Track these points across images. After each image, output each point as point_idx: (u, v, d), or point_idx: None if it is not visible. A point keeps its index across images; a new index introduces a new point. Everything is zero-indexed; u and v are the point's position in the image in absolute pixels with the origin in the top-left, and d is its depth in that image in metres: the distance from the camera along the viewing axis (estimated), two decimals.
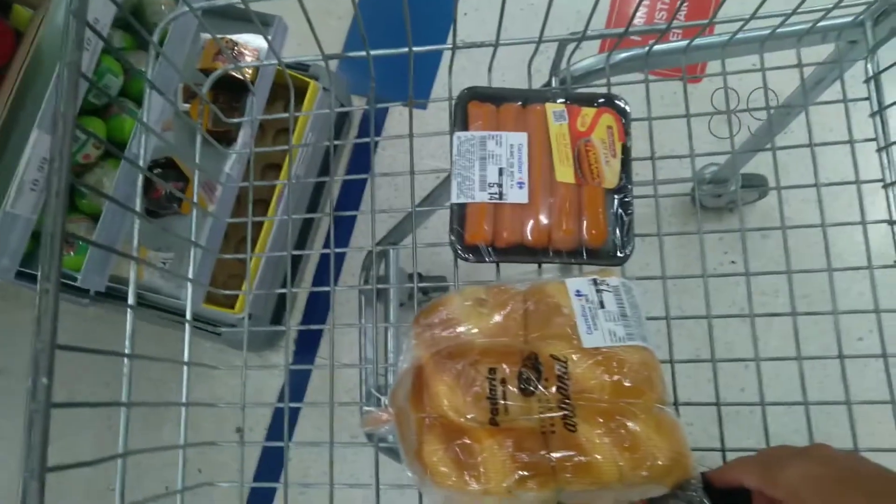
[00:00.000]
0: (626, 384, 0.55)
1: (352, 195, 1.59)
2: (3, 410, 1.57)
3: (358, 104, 1.66)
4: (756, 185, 1.46)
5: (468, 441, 0.52)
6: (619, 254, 0.66)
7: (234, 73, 1.15)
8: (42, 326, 0.35)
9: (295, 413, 1.35)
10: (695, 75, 1.36)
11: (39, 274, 0.38)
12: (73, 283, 1.32)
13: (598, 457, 0.51)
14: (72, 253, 0.90)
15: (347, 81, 1.66)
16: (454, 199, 0.65)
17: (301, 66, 1.46)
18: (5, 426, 1.55)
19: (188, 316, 0.60)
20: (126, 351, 0.49)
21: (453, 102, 0.69)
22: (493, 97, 0.69)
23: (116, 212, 0.83)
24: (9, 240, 0.71)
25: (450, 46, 0.69)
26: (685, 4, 1.57)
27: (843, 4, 0.70)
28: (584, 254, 0.65)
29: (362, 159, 1.61)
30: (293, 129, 0.68)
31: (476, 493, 0.51)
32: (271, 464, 1.40)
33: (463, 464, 0.51)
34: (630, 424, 0.53)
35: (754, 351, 0.68)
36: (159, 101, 0.99)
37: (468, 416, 0.54)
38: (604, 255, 0.66)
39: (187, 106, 1.19)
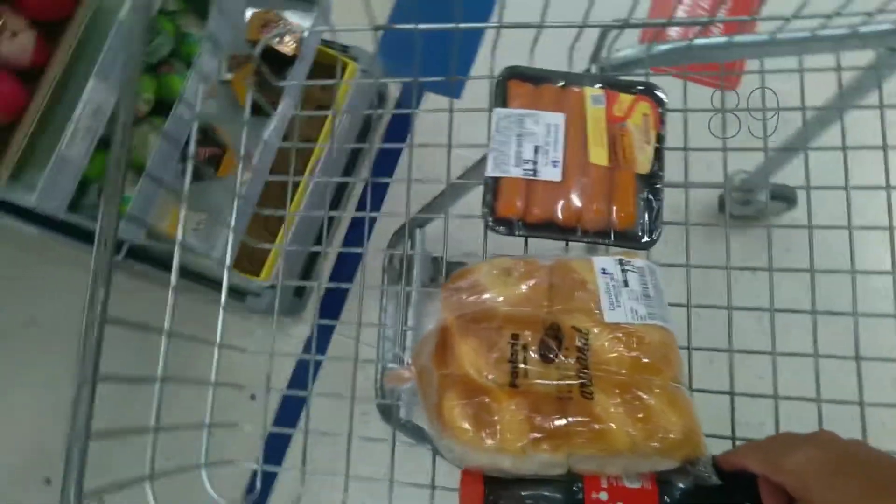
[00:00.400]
0: (644, 360, 0.57)
1: (382, 184, 1.62)
2: (33, 359, 1.61)
3: (394, 89, 1.68)
4: (784, 197, 1.46)
5: (487, 400, 0.54)
6: (646, 238, 0.67)
7: (277, 47, 1.18)
8: (103, 243, 0.37)
9: (315, 371, 1.38)
10: (731, 71, 1.34)
11: (103, 198, 0.41)
12: None
13: (612, 425, 0.53)
14: None
15: (384, 68, 1.68)
16: (489, 173, 0.67)
17: (341, 48, 1.49)
18: (35, 374, 1.60)
19: (228, 262, 0.62)
20: (172, 283, 0.52)
21: (494, 80, 0.71)
22: (534, 77, 0.71)
23: (161, 163, 0.86)
24: (60, 181, 0.74)
25: (496, 25, 0.71)
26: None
27: (887, 10, 0.70)
28: (612, 235, 0.67)
29: (395, 141, 1.64)
30: (336, 96, 0.70)
31: (491, 449, 0.53)
32: (289, 417, 1.43)
33: (480, 421, 0.53)
34: (645, 397, 0.54)
35: (772, 345, 0.69)
36: (205, 69, 1.01)
37: (489, 377, 0.56)
38: (631, 238, 0.67)
39: (231, 75, 1.22)
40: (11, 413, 1.59)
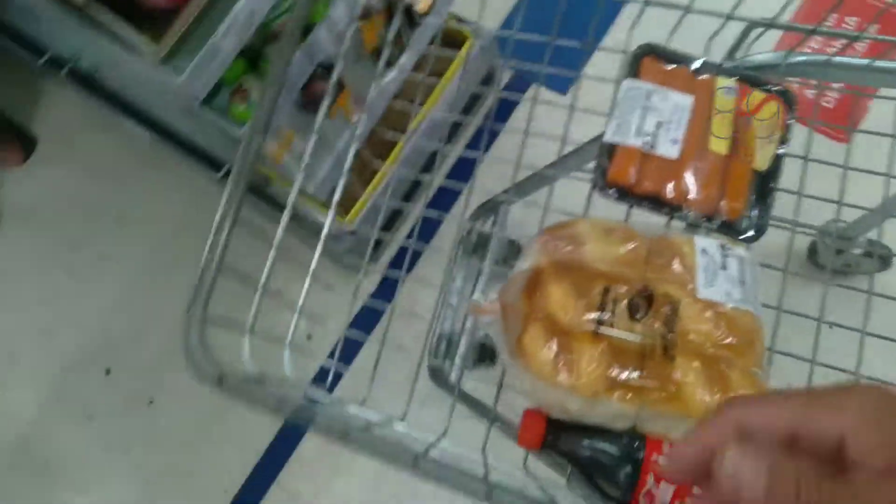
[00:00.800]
0: (730, 341, 0.57)
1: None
2: (115, 254, 1.69)
3: (507, 77, 1.71)
4: (880, 256, 1.41)
5: (569, 340, 0.55)
6: (751, 232, 0.67)
7: (412, 2, 1.22)
8: (264, 105, 0.41)
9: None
10: (866, 95, 1.25)
11: (269, 77, 0.44)
12: (209, 157, 1.43)
13: (689, 388, 0.53)
14: (242, 106, 0.99)
15: (499, 53, 1.71)
16: (608, 138, 0.69)
17: (463, 21, 1.53)
18: (114, 268, 1.68)
19: (347, 166, 0.66)
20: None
21: (630, 54, 0.72)
22: (669, 58, 0.72)
23: (287, 83, 0.91)
24: (206, 69, 0.80)
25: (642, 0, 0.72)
26: (879, 17, 1.51)
27: None
28: (717, 223, 0.67)
29: (504, 113, 1.66)
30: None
31: (564, 386, 0.54)
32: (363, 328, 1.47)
33: (559, 356, 0.55)
34: (726, 371, 0.54)
35: (856, 366, 0.68)
36: (343, 10, 1.06)
37: (575, 320, 0.57)
38: (736, 229, 0.67)
39: (361, 22, 1.27)
40: (82, 301, 1.67)
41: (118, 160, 1.73)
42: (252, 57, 0.97)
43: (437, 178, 1.60)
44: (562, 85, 1.61)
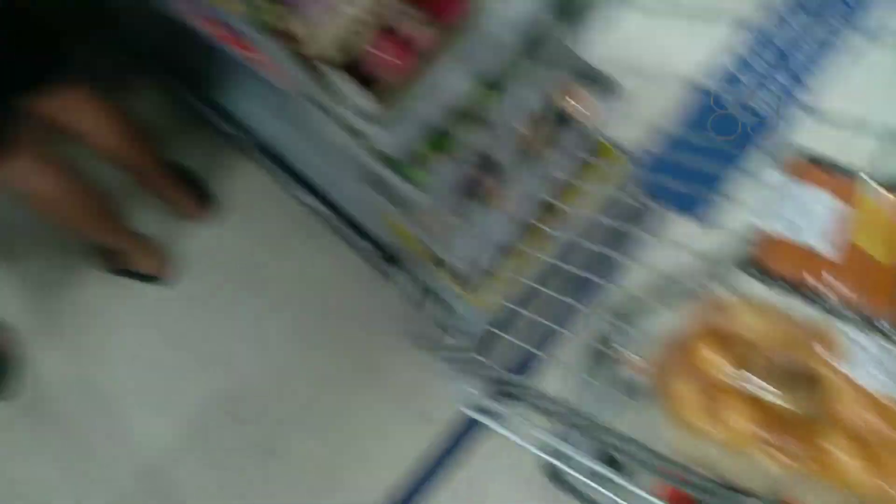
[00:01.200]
0: (889, 432, 0.57)
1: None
2: (284, 315, 1.85)
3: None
4: None
5: (720, 394, 0.59)
6: None
7: (569, 111, 1.35)
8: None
9: None
10: None
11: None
12: (363, 231, 1.58)
13: (837, 457, 0.55)
14: (422, 173, 1.11)
15: (642, 182, 1.78)
16: (755, 222, 0.73)
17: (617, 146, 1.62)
18: (277, 328, 1.83)
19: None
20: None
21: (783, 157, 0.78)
22: (822, 163, 0.77)
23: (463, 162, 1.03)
24: (405, 131, 0.93)
25: (808, 108, 0.78)
26: None
27: None
28: (866, 319, 0.69)
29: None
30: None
31: (710, 437, 0.57)
32: None
33: (709, 408, 0.58)
34: (879, 449, 0.55)
35: None
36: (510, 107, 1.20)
37: (726, 378, 0.60)
38: (885, 328, 0.68)
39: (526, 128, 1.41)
40: (229, 350, 1.81)
41: (284, 228, 1.92)
42: (436, 133, 1.11)
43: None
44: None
